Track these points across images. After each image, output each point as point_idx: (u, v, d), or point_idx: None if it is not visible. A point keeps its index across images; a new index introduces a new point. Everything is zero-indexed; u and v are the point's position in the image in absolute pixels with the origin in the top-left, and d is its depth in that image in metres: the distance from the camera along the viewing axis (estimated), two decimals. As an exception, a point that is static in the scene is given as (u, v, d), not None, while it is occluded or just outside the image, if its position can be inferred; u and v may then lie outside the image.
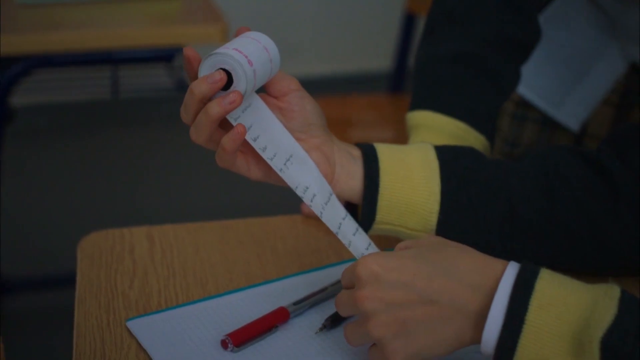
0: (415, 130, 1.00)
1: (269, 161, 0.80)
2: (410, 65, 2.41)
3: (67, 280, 2.24)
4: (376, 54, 3.58)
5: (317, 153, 0.83)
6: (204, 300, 0.86)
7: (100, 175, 2.90)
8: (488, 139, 1.03)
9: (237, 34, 0.82)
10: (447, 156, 0.87)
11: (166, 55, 1.80)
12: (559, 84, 1.34)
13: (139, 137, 3.19)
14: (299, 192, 0.81)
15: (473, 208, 0.85)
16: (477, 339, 0.69)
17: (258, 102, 0.81)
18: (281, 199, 2.37)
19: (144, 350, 0.79)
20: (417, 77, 1.03)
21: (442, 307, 0.69)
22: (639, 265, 0.86)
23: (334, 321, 0.82)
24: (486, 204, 0.86)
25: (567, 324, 0.65)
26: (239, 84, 0.77)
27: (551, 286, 0.67)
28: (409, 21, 2.36)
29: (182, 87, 1.86)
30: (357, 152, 0.86)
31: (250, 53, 0.77)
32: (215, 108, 0.78)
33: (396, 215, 0.85)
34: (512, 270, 0.68)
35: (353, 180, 0.85)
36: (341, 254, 0.95)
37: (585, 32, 1.31)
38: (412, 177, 0.85)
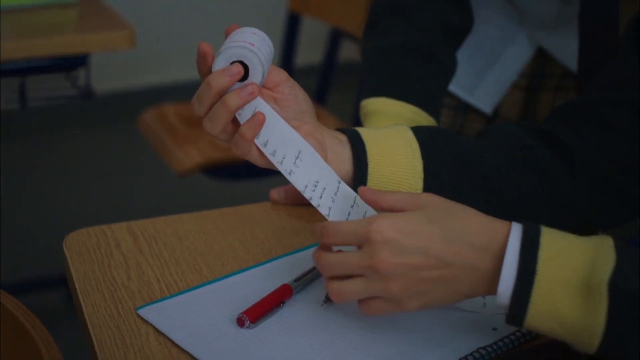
0: (372, 116, 1.07)
1: (278, 165, 0.85)
2: (296, 64, 2.49)
3: (43, 283, 2.25)
4: None
5: (311, 139, 0.89)
6: (207, 284, 0.90)
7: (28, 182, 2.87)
8: (436, 120, 1.11)
9: (227, 32, 0.87)
10: (424, 136, 0.94)
11: (70, 64, 1.80)
12: (472, 70, 1.43)
13: (49, 145, 3.20)
14: (307, 193, 0.86)
15: (452, 182, 0.93)
16: (489, 291, 0.76)
17: (258, 100, 0.86)
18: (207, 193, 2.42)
19: (163, 335, 0.82)
20: (369, 67, 1.10)
21: (457, 269, 0.76)
22: (599, 225, 0.96)
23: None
24: (463, 178, 0.93)
25: (574, 272, 0.73)
26: (255, 76, 0.82)
27: (554, 240, 0.75)
28: (293, 21, 2.43)
29: (86, 95, 1.86)
30: (343, 137, 0.92)
31: (259, 46, 0.82)
32: (234, 99, 0.82)
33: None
34: (516, 230, 0.76)
35: (343, 164, 0.91)
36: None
37: (495, 20, 1.41)
38: (395, 157, 0.92)
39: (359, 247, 0.78)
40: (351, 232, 0.78)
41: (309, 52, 2.89)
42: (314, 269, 0.91)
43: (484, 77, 1.43)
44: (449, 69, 1.11)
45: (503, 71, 1.45)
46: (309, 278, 0.90)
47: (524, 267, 0.74)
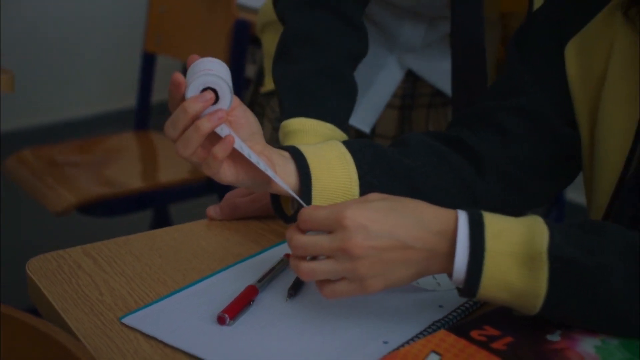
0: (293, 134, 1.18)
1: (258, 164, 0.95)
2: (152, 101, 2.56)
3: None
4: (119, 94, 3.68)
5: (262, 156, 1.00)
6: (178, 291, 0.98)
7: None
8: (347, 135, 1.24)
9: (189, 62, 0.97)
10: (354, 148, 1.07)
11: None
12: None
13: None
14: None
15: (382, 185, 1.06)
16: (443, 269, 0.89)
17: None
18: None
19: (153, 338, 0.90)
20: (287, 91, 1.21)
21: (417, 251, 0.88)
22: (506, 214, 1.11)
23: (296, 289, 0.98)
24: (392, 182, 1.07)
25: (516, 245, 0.87)
26: (224, 101, 0.92)
27: (495, 221, 0.89)
28: (148, 61, 2.51)
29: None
30: (286, 154, 1.04)
31: (224, 74, 0.92)
32: (206, 124, 0.92)
33: (325, 201, 1.03)
34: (462, 215, 0.90)
35: (289, 177, 1.02)
36: (260, 242, 1.11)
37: (369, 47, 1.56)
38: (333, 167, 1.04)
39: (330, 232, 0.89)
40: (325, 217, 0.89)
41: (165, 90, 2.97)
42: (271, 271, 1.01)
43: (360, 101, 1.58)
44: (354, 90, 1.25)
45: (377, 94, 1.60)
46: (268, 279, 1.00)
47: (474, 245, 0.87)
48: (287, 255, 1.05)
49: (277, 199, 1.08)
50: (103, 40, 3.93)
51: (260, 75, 1.77)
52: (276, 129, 1.66)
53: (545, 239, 0.87)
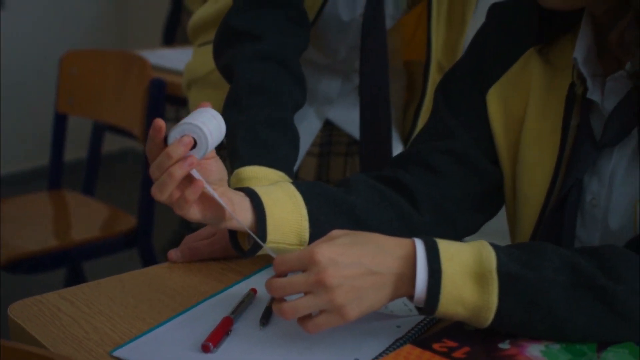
0: (247, 181, 1.28)
1: (224, 205, 1.05)
2: (65, 162, 2.61)
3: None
4: (32, 154, 3.69)
5: (224, 197, 1.10)
6: (159, 326, 1.06)
7: None
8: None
9: (199, 107, 1.07)
10: (303, 188, 1.18)
11: None
12: None
13: None
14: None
15: (329, 221, 1.17)
16: (408, 292, 1.01)
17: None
18: None
19: (144, 367, 0.98)
20: (240, 140, 1.31)
21: (384, 275, 1.00)
22: None
23: (267, 317, 1.08)
24: (338, 217, 1.18)
25: (468, 265, 0.99)
26: (199, 151, 1.02)
27: (447, 245, 1.01)
28: (60, 121, 2.56)
29: None
30: (242, 194, 1.14)
31: (212, 129, 1.03)
32: (179, 170, 1.02)
33: (280, 235, 1.14)
34: (418, 242, 1.01)
35: (247, 214, 1.12)
36: (222, 280, 1.20)
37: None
38: (285, 205, 1.14)
39: (304, 270, 0.99)
40: (297, 258, 1.00)
41: (76, 149, 3.02)
42: (241, 303, 1.11)
43: None
44: (298, 138, 1.36)
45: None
46: (240, 310, 1.09)
47: (432, 267, 0.99)
48: (253, 290, 1.15)
49: (235, 235, 1.17)
50: (16, 100, 3.93)
51: None
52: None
53: (493, 258, 0.99)
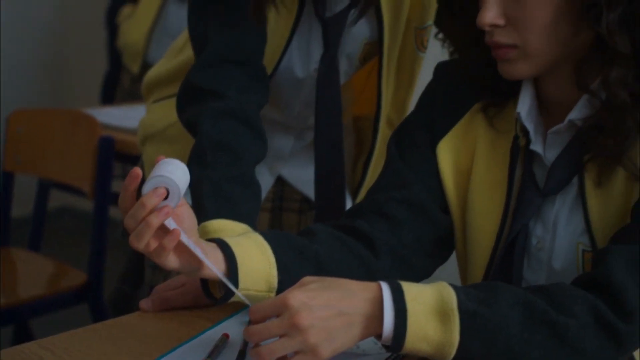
0: (213, 234, 1.35)
1: (198, 254, 1.12)
2: (12, 217, 2.63)
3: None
4: None
5: (198, 248, 1.16)
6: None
7: None
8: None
9: (156, 161, 1.13)
10: (269, 237, 1.25)
11: None
12: None
13: None
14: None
15: (296, 269, 1.24)
16: (376, 331, 1.08)
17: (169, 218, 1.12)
18: None
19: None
20: (205, 195, 1.37)
21: (353, 316, 1.07)
22: None
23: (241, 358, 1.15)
24: (303, 264, 1.25)
25: (431, 305, 1.08)
26: (172, 200, 1.09)
27: (411, 287, 1.09)
28: (7, 179, 2.59)
29: None
30: (214, 244, 1.20)
31: (179, 177, 1.10)
32: (155, 219, 1.08)
33: (251, 283, 1.21)
34: (384, 284, 1.09)
35: (219, 263, 1.19)
36: (194, 327, 1.26)
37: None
38: (254, 254, 1.21)
39: (278, 315, 1.06)
40: (271, 304, 1.07)
41: (24, 206, 3.03)
42: (216, 348, 1.17)
43: None
44: (260, 192, 1.44)
45: None
46: (215, 353, 1.16)
47: (398, 308, 1.07)
48: (226, 334, 1.21)
49: (207, 283, 1.24)
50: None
51: (142, 184, 1.91)
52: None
53: (454, 297, 1.08)
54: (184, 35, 1.80)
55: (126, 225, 1.11)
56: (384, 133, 1.72)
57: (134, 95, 3.46)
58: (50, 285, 2.52)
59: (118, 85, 3.62)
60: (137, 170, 1.11)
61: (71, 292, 2.44)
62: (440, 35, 1.56)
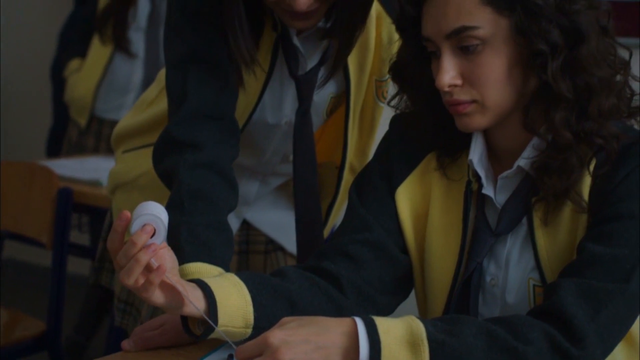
0: (190, 275, 1.43)
1: (181, 291, 1.21)
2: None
3: None
4: None
5: (179, 284, 1.25)
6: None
7: None
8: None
9: (122, 216, 1.22)
10: (245, 277, 1.34)
11: None
12: None
13: None
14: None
15: (270, 306, 1.33)
16: None
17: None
18: None
19: None
20: (183, 241, 1.44)
21: (330, 349, 1.17)
22: None
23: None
24: (277, 301, 1.34)
25: (402, 336, 1.18)
26: (158, 238, 1.18)
27: (382, 321, 1.20)
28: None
29: None
30: (193, 284, 1.29)
31: (164, 217, 1.19)
32: (144, 256, 1.17)
33: (229, 320, 1.29)
34: (358, 319, 1.20)
35: (199, 301, 1.27)
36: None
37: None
38: (232, 294, 1.30)
39: (261, 354, 1.16)
40: (254, 344, 1.18)
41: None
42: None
43: None
44: (232, 237, 1.53)
45: None
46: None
47: (372, 339, 1.17)
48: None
49: (186, 321, 1.32)
50: None
51: (110, 231, 1.98)
52: None
53: (422, 329, 1.18)
54: (153, 90, 1.91)
55: (118, 262, 1.20)
56: (347, 179, 1.83)
57: (82, 148, 3.52)
58: (8, 334, 2.54)
59: (64, 138, 3.67)
60: (127, 214, 1.20)
61: (30, 341, 2.47)
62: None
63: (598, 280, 1.23)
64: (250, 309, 1.31)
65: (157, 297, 1.23)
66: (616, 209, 1.27)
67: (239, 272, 1.36)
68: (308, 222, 1.75)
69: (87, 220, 3.23)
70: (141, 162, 1.87)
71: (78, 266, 3.60)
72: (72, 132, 3.61)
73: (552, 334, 1.19)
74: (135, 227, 1.19)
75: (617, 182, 1.28)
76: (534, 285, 1.36)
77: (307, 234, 1.75)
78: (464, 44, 1.30)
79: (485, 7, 1.28)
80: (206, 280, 1.30)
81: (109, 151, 3.41)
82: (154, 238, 1.20)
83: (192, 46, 1.57)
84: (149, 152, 1.83)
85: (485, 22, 1.29)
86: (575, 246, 1.31)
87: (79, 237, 3.25)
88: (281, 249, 1.97)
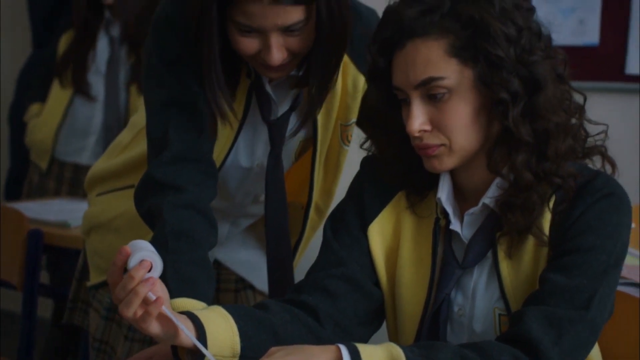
0: (177, 310, 1.50)
1: (176, 322, 1.29)
2: None
3: None
4: None
5: (174, 316, 1.33)
6: None
7: None
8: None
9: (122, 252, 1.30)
10: (231, 310, 1.42)
11: None
12: None
13: None
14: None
15: (255, 336, 1.41)
16: None
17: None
18: None
19: None
20: (169, 277, 1.51)
21: (317, 375, 1.26)
22: None
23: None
24: (261, 332, 1.42)
25: (384, 361, 1.27)
26: (155, 272, 1.27)
27: (365, 347, 1.29)
28: None
29: None
30: (184, 316, 1.36)
31: (158, 254, 1.28)
32: (143, 288, 1.25)
33: (217, 349, 1.37)
34: (341, 346, 1.28)
35: (191, 330, 1.35)
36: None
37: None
38: (220, 325, 1.38)
39: None
40: None
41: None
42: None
43: None
44: (213, 273, 1.61)
45: None
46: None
47: (357, 367, 1.26)
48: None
49: (176, 350, 1.39)
50: None
51: (84, 271, 2.05)
52: (104, 317, 1.95)
53: (402, 354, 1.28)
54: (127, 135, 1.99)
55: (117, 295, 1.28)
56: (312, 218, 1.92)
57: (43, 191, 3.55)
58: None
59: (25, 180, 3.69)
60: (127, 249, 1.28)
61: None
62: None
63: (561, 308, 1.33)
64: (237, 339, 1.39)
65: (154, 327, 1.31)
66: (575, 243, 1.38)
67: (225, 305, 1.44)
68: (279, 260, 1.83)
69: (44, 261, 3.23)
70: (116, 204, 1.94)
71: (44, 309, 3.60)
72: (33, 175, 3.63)
73: (520, 357, 1.29)
74: (133, 262, 1.27)
75: (575, 217, 1.40)
76: (500, 314, 1.46)
77: (278, 272, 1.83)
78: (432, 93, 1.40)
79: (451, 59, 1.39)
80: (195, 312, 1.38)
81: (71, 194, 3.48)
82: (150, 273, 1.28)
83: (171, 92, 1.66)
84: (123, 194, 1.92)
85: (451, 73, 1.39)
86: (538, 277, 1.41)
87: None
88: (251, 287, 2.05)
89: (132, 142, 1.94)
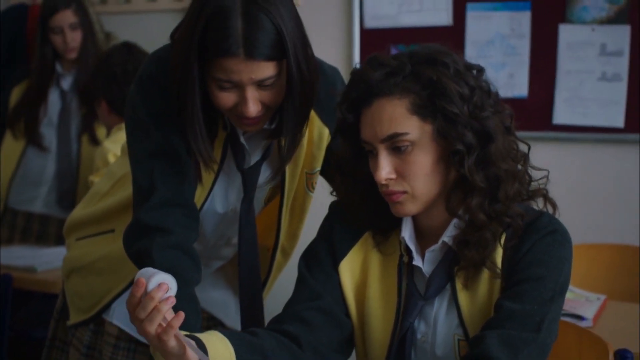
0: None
1: (185, 342, 1.44)
2: None
3: None
4: None
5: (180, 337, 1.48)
6: None
7: None
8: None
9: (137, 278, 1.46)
10: (227, 334, 1.57)
11: None
12: None
13: None
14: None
15: (249, 358, 1.56)
16: None
17: None
18: None
19: None
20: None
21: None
22: None
23: None
24: (254, 354, 1.57)
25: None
26: (172, 291, 1.43)
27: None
28: None
29: None
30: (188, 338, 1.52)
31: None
32: (164, 306, 1.41)
33: None
34: None
35: (196, 352, 1.49)
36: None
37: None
38: (219, 347, 1.53)
39: None
40: None
41: None
42: None
43: None
44: (199, 308, 1.76)
45: None
46: None
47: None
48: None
49: None
50: None
51: (62, 312, 2.17)
52: (84, 354, 2.08)
53: None
54: (105, 184, 2.13)
55: (137, 316, 1.43)
56: (278, 259, 2.08)
57: (-4, 237, 3.61)
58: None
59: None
60: (143, 280, 1.43)
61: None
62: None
63: (515, 331, 1.52)
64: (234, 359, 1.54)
65: (172, 341, 1.45)
66: (525, 274, 1.57)
67: (221, 330, 1.59)
68: (251, 297, 1.99)
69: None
70: (96, 248, 2.08)
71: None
72: (-1, 216, 3.68)
73: None
74: (152, 285, 1.43)
75: (524, 252, 1.59)
76: (459, 340, 1.64)
77: (250, 309, 1.98)
78: (397, 145, 1.59)
79: (413, 116, 1.58)
80: (197, 335, 1.53)
81: (23, 241, 3.55)
82: (167, 293, 1.44)
83: (157, 143, 1.80)
84: (104, 238, 2.06)
85: (413, 129, 1.58)
86: (493, 305, 1.60)
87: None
88: (221, 324, 2.19)
89: (111, 190, 2.09)
